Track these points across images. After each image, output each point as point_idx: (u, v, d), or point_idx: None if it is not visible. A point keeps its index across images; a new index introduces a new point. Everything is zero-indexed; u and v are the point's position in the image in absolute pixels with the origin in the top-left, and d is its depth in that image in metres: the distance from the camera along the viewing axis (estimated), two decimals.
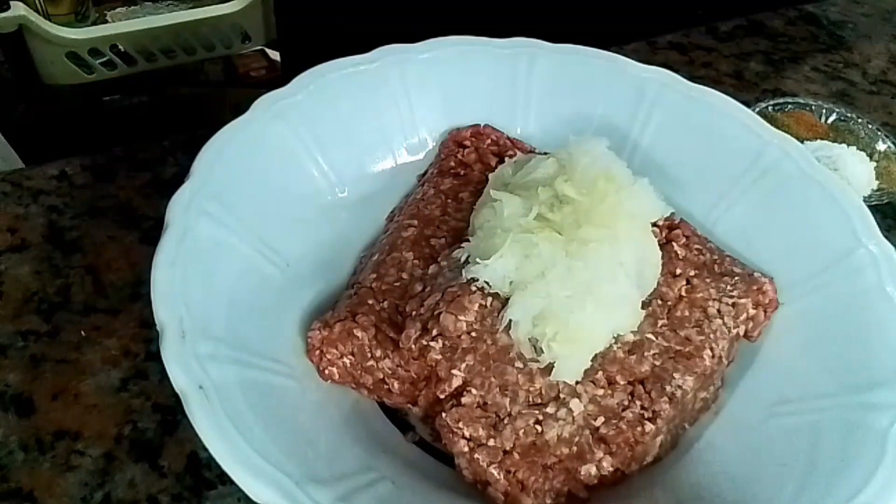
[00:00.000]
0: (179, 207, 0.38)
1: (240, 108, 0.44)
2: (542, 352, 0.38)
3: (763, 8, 0.82)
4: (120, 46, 0.63)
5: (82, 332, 0.44)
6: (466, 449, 0.36)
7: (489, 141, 0.50)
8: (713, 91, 0.49)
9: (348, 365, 0.39)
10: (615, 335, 0.40)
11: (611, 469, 0.36)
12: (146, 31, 0.63)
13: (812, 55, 0.76)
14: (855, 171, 0.57)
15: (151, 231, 0.50)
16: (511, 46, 0.51)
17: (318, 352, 0.39)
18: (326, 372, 0.39)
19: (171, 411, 0.40)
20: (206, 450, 0.40)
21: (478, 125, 0.50)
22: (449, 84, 0.50)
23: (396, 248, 0.43)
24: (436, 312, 0.38)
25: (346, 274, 0.45)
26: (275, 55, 0.82)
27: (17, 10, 0.56)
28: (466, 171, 0.49)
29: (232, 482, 0.38)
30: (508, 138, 0.50)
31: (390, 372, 0.39)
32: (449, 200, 0.47)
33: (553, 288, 0.38)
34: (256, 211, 0.41)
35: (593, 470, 0.36)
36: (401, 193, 0.50)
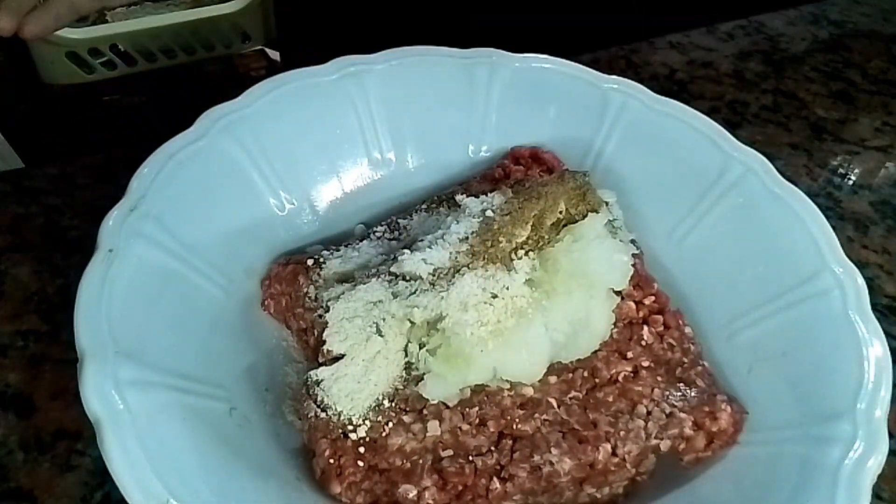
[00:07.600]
0: (113, 228, 0.36)
1: None
2: (420, 361, 0.37)
3: (763, 8, 0.82)
4: (120, 46, 0.63)
5: None
6: (312, 414, 0.36)
7: (545, 166, 0.48)
8: (677, 103, 0.48)
9: (284, 304, 0.41)
10: (508, 381, 0.37)
11: (430, 502, 0.34)
12: (146, 31, 0.63)
13: (812, 55, 0.76)
14: None
15: None
16: (471, 56, 0.48)
17: (267, 281, 0.42)
18: (266, 302, 0.42)
19: None
20: None
21: (538, 148, 0.48)
22: (406, 95, 0.48)
23: (391, 224, 0.45)
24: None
25: None
26: (275, 55, 0.82)
27: None
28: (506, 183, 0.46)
29: None
30: (566, 169, 0.47)
31: (311, 325, 0.40)
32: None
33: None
34: (200, 230, 0.40)
35: (412, 493, 0.34)
36: (359, 207, 0.47)
